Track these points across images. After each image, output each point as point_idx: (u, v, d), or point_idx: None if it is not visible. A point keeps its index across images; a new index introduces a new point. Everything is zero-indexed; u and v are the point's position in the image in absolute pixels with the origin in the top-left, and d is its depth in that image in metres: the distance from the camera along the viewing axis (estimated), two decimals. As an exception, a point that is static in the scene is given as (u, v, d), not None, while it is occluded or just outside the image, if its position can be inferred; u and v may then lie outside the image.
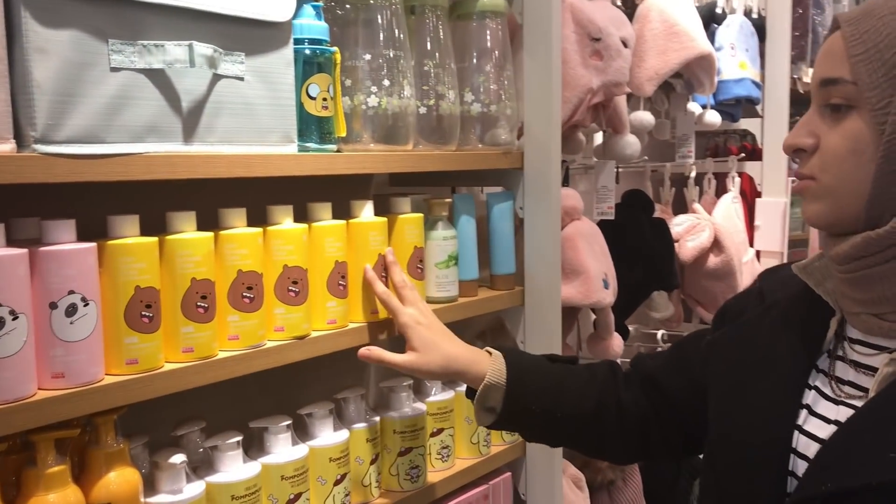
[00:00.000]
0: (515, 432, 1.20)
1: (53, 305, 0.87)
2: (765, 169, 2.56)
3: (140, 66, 0.93)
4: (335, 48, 1.16)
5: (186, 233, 1.01)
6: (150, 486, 1.02)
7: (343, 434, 1.24)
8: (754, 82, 2.35)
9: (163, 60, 0.94)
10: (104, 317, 0.92)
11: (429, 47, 1.35)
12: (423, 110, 1.33)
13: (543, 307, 1.53)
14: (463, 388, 1.45)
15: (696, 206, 2.39)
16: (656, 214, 2.18)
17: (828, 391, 0.88)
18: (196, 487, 1.04)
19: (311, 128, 1.15)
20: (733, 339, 1.00)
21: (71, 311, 0.88)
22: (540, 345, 1.53)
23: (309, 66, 1.14)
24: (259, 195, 1.17)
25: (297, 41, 1.12)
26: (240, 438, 1.10)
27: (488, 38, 1.45)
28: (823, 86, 0.85)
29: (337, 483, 1.21)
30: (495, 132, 1.46)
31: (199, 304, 1.00)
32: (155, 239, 0.97)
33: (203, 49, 0.96)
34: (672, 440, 1.10)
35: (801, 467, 0.85)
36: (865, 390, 0.84)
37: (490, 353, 1.13)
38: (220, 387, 1.04)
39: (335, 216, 1.21)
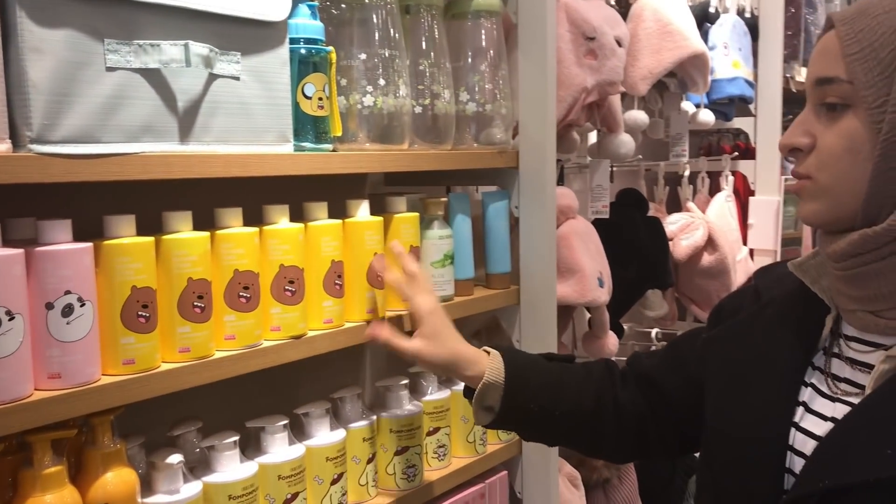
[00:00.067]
0: (513, 431, 1.20)
1: (50, 306, 0.87)
2: (758, 167, 2.57)
3: (136, 66, 0.93)
4: (331, 48, 1.16)
5: (183, 232, 1.01)
6: (147, 487, 1.02)
7: (340, 433, 1.24)
8: (747, 81, 2.35)
9: (159, 60, 0.94)
10: (100, 317, 0.92)
11: (424, 47, 1.35)
12: (418, 110, 1.33)
13: (539, 306, 1.54)
14: (459, 387, 1.46)
15: (690, 204, 2.40)
16: (650, 213, 2.18)
17: (824, 388, 0.88)
18: (193, 487, 1.03)
19: (307, 127, 1.15)
20: (729, 338, 1.00)
21: (67, 311, 0.88)
22: (535, 343, 1.53)
23: (304, 65, 1.14)
24: (254, 195, 1.16)
25: (292, 41, 1.12)
26: (236, 438, 1.10)
27: (483, 37, 1.45)
28: (819, 85, 0.85)
29: (334, 482, 1.21)
30: (490, 131, 1.46)
31: (195, 303, 1.00)
32: (151, 239, 0.97)
33: (199, 49, 0.96)
34: (669, 439, 1.10)
35: (798, 464, 0.86)
36: (862, 387, 0.84)
37: (488, 353, 1.13)
38: (216, 386, 1.04)
39: (330, 216, 1.21)
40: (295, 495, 1.14)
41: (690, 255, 2.23)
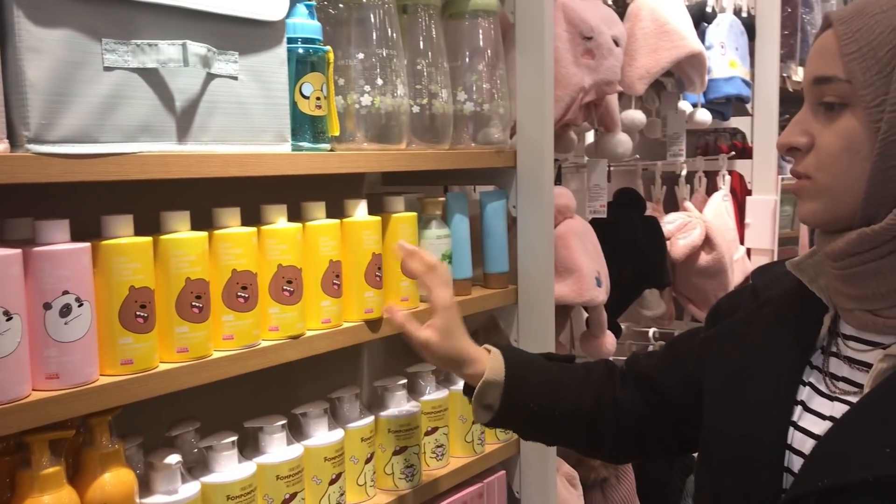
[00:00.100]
0: (512, 430, 1.20)
1: (48, 306, 0.87)
2: (755, 167, 2.57)
3: (133, 66, 0.92)
4: (328, 47, 1.16)
5: (181, 232, 1.01)
6: (146, 487, 1.02)
7: (338, 433, 1.24)
8: (744, 81, 2.36)
9: (156, 60, 0.94)
10: (98, 317, 0.92)
11: (421, 46, 1.35)
12: (416, 109, 1.33)
13: (537, 305, 1.54)
14: (457, 386, 1.46)
15: (688, 204, 2.40)
16: (648, 213, 2.18)
17: (822, 387, 0.88)
18: (191, 488, 1.03)
19: (305, 127, 1.14)
20: (727, 337, 1.00)
21: (65, 311, 0.87)
22: (533, 343, 1.53)
23: (302, 65, 1.14)
24: (250, 194, 1.16)
25: (290, 40, 1.12)
26: (235, 438, 1.10)
27: (481, 36, 1.45)
28: (816, 84, 0.85)
29: (332, 482, 1.21)
30: (488, 131, 1.46)
31: (193, 303, 1.00)
32: (149, 239, 0.97)
33: (197, 48, 0.96)
34: (667, 439, 1.10)
35: (796, 463, 0.86)
36: (860, 386, 0.85)
37: (489, 351, 1.13)
38: (214, 387, 1.04)
39: (328, 215, 1.21)
40: (293, 495, 1.14)
41: (688, 255, 2.23)
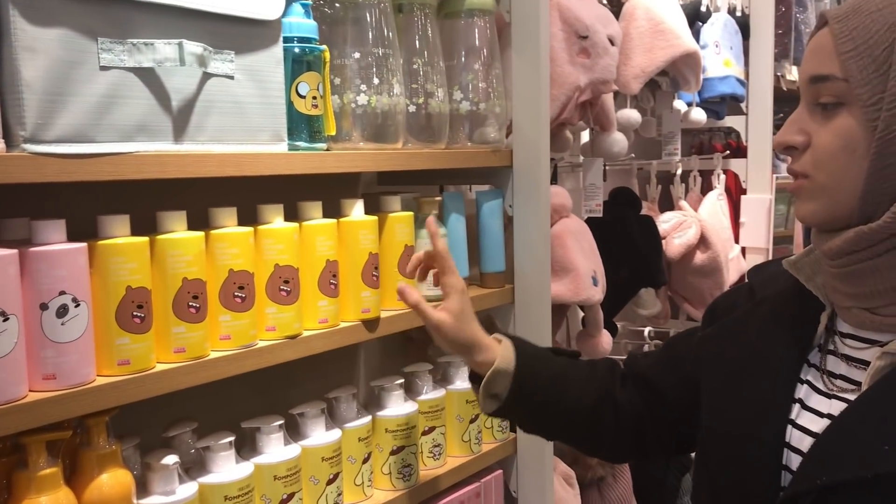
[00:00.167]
0: (515, 422, 1.19)
1: (44, 306, 0.86)
2: (749, 166, 2.58)
3: (130, 65, 0.92)
4: (324, 46, 1.16)
5: (177, 232, 1.00)
6: (143, 488, 1.01)
7: (335, 433, 1.23)
8: (739, 80, 2.36)
9: (152, 59, 0.94)
10: (95, 317, 0.92)
11: (417, 45, 1.35)
12: (412, 108, 1.33)
13: (533, 305, 1.54)
14: (455, 385, 1.46)
15: (683, 203, 2.40)
16: (643, 212, 2.19)
17: (820, 385, 0.88)
18: (189, 488, 1.03)
19: (301, 126, 1.14)
20: (724, 336, 1.00)
21: (62, 311, 0.87)
22: (530, 342, 1.53)
23: (298, 64, 1.14)
24: (247, 194, 1.16)
25: (286, 39, 1.12)
26: (232, 439, 1.10)
27: (476, 36, 1.45)
28: (813, 83, 0.85)
29: (329, 482, 1.21)
30: (484, 130, 1.46)
31: (190, 303, 1.00)
32: (146, 239, 0.97)
33: (193, 47, 0.96)
34: (666, 438, 1.10)
35: (794, 461, 0.86)
36: (857, 384, 0.85)
37: (499, 342, 1.13)
38: (211, 387, 1.04)
39: (324, 215, 1.20)
40: (291, 495, 1.14)
41: (683, 254, 2.23)
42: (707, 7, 2.32)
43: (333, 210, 1.24)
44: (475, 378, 1.14)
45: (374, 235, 1.25)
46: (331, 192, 1.27)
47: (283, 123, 1.11)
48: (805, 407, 0.88)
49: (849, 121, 0.82)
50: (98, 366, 0.92)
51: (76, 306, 0.88)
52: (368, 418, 1.31)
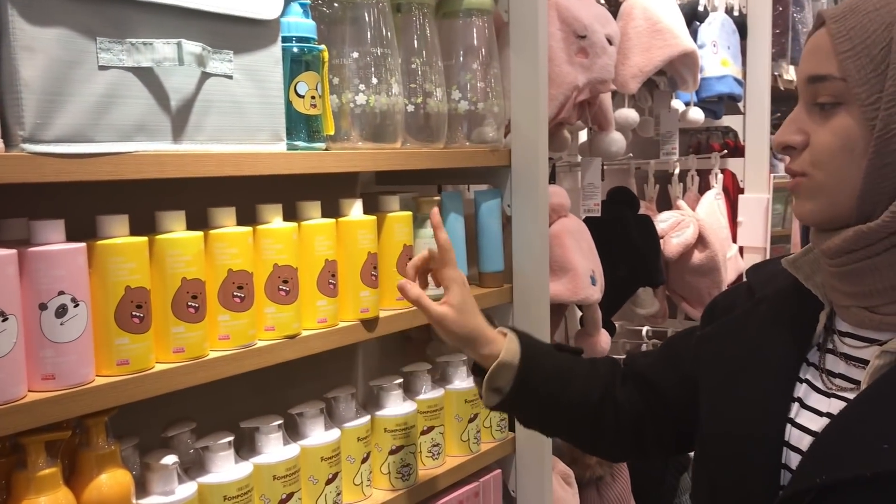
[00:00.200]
0: (516, 416, 1.18)
1: (43, 306, 0.86)
2: (747, 165, 2.58)
3: (128, 65, 0.92)
4: (323, 46, 1.16)
5: (176, 232, 1.00)
6: (142, 488, 1.01)
7: (334, 433, 1.23)
8: (736, 79, 2.36)
9: (151, 59, 0.93)
10: (94, 317, 0.92)
11: (416, 45, 1.35)
12: (410, 108, 1.33)
13: (532, 304, 1.54)
14: (454, 385, 1.46)
15: (681, 202, 2.41)
16: (641, 211, 2.19)
17: (819, 384, 0.88)
18: (188, 488, 1.03)
19: (300, 126, 1.14)
20: (723, 335, 1.00)
21: (61, 311, 0.87)
22: (528, 342, 1.53)
23: (297, 64, 1.13)
24: (245, 194, 1.16)
25: (284, 39, 1.12)
26: (231, 439, 1.10)
27: (475, 35, 1.45)
28: (811, 83, 0.85)
29: (329, 482, 1.21)
30: (482, 130, 1.46)
31: (189, 303, 1.00)
32: (145, 239, 0.97)
33: (192, 47, 0.96)
34: (665, 437, 1.10)
35: (794, 460, 0.86)
36: (857, 382, 0.85)
37: (505, 334, 1.13)
38: (210, 387, 1.04)
39: (322, 215, 1.20)
40: (290, 495, 1.14)
41: (681, 253, 2.23)
42: (704, 7, 2.32)
43: (332, 210, 1.24)
44: (477, 371, 1.14)
45: (372, 235, 1.25)
46: (329, 191, 1.27)
47: (281, 123, 1.11)
48: (804, 406, 0.88)
49: (847, 120, 0.82)
50: (97, 366, 0.92)
51: (75, 306, 0.88)
52: (367, 418, 1.31)
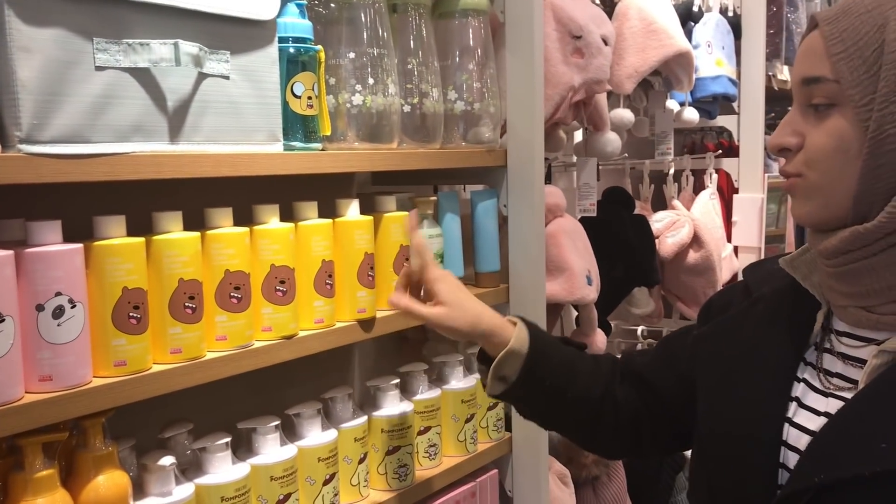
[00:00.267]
0: (518, 406, 1.18)
1: (40, 307, 0.86)
2: (741, 165, 2.59)
3: (125, 65, 0.92)
4: (319, 46, 1.16)
5: (173, 233, 1.00)
6: (139, 489, 1.01)
7: (331, 434, 1.23)
8: (730, 79, 2.37)
9: (148, 59, 0.93)
10: (91, 318, 0.91)
11: (412, 46, 1.35)
12: (406, 108, 1.33)
13: (528, 304, 1.54)
14: (450, 385, 1.46)
15: (676, 202, 2.41)
16: (636, 211, 2.19)
17: (816, 384, 0.89)
18: (185, 489, 1.03)
19: (296, 126, 1.14)
20: (720, 334, 1.01)
21: (58, 312, 0.87)
22: (525, 342, 1.53)
23: (293, 64, 1.13)
24: (241, 194, 1.16)
25: (281, 40, 1.12)
26: (228, 440, 1.10)
27: (471, 36, 1.45)
28: (805, 85, 0.86)
29: (326, 483, 1.21)
30: (478, 130, 1.47)
31: (186, 304, 0.99)
32: (142, 239, 0.96)
33: (188, 48, 0.96)
34: (661, 436, 1.11)
35: (792, 459, 0.86)
36: (854, 382, 0.85)
37: (514, 323, 1.12)
38: (207, 388, 1.03)
39: (319, 215, 1.20)
40: (287, 496, 1.14)
41: (676, 253, 2.24)
42: (699, 7, 2.33)
43: (329, 210, 1.24)
44: (482, 359, 1.14)
45: (369, 235, 1.25)
46: (326, 192, 1.27)
47: (278, 123, 1.11)
48: (802, 405, 0.88)
49: (841, 121, 0.82)
50: (94, 367, 0.92)
51: (72, 307, 0.88)
52: (364, 418, 1.31)
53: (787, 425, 0.88)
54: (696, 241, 2.28)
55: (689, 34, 2.25)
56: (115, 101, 0.91)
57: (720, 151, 2.66)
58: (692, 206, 2.42)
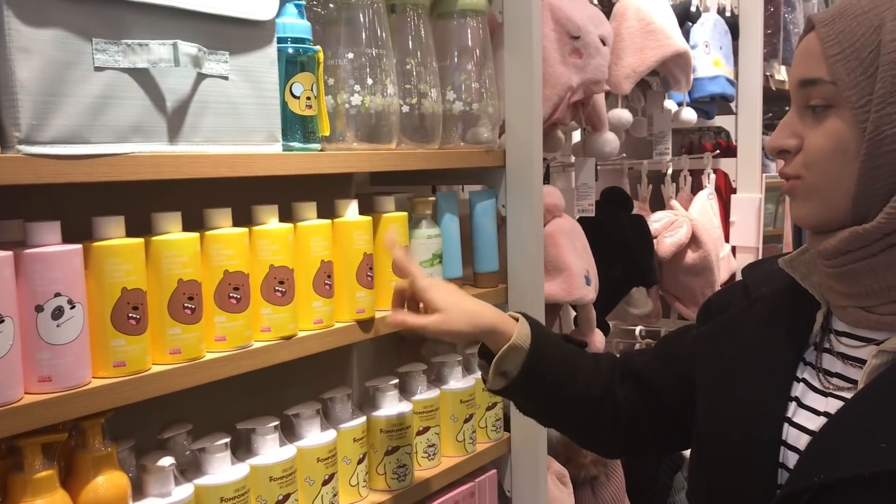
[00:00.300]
0: (518, 402, 1.18)
1: (39, 308, 0.86)
2: (739, 165, 2.59)
3: (124, 66, 0.92)
4: (318, 47, 1.16)
5: (172, 233, 1.00)
6: (139, 490, 1.01)
7: (330, 434, 1.23)
8: (728, 80, 2.37)
9: (147, 60, 0.93)
10: (91, 319, 0.91)
11: (410, 46, 1.35)
12: (405, 109, 1.33)
13: (526, 304, 1.54)
14: (450, 385, 1.46)
15: (674, 202, 2.42)
16: (634, 211, 2.19)
17: (816, 383, 0.89)
18: (185, 490, 1.03)
19: (295, 127, 1.14)
20: (719, 334, 1.01)
21: (57, 313, 0.87)
22: (524, 342, 1.53)
23: (292, 65, 1.13)
24: (240, 195, 1.16)
25: (280, 40, 1.11)
26: (227, 440, 1.10)
27: (469, 36, 1.45)
28: (802, 86, 0.86)
29: (325, 483, 1.21)
30: (477, 130, 1.47)
31: (185, 305, 0.99)
32: (141, 240, 0.96)
33: (187, 48, 0.96)
34: (660, 435, 1.11)
35: (791, 459, 0.86)
36: (854, 382, 0.85)
37: (517, 319, 1.12)
38: (206, 388, 1.03)
39: (318, 216, 1.20)
40: (286, 496, 1.14)
41: (674, 253, 2.24)
42: (697, 7, 2.33)
43: (328, 211, 1.24)
44: (483, 354, 1.14)
45: (368, 236, 1.25)
46: (324, 192, 1.27)
47: (277, 124, 1.11)
48: (801, 405, 0.89)
49: (839, 123, 0.83)
50: (94, 368, 0.92)
51: (71, 308, 0.88)
52: (363, 419, 1.31)
53: (786, 425, 0.88)
54: (694, 241, 2.28)
55: (686, 34, 2.25)
56: (114, 101, 0.91)
57: (718, 151, 2.66)
58: (690, 206, 2.42)
